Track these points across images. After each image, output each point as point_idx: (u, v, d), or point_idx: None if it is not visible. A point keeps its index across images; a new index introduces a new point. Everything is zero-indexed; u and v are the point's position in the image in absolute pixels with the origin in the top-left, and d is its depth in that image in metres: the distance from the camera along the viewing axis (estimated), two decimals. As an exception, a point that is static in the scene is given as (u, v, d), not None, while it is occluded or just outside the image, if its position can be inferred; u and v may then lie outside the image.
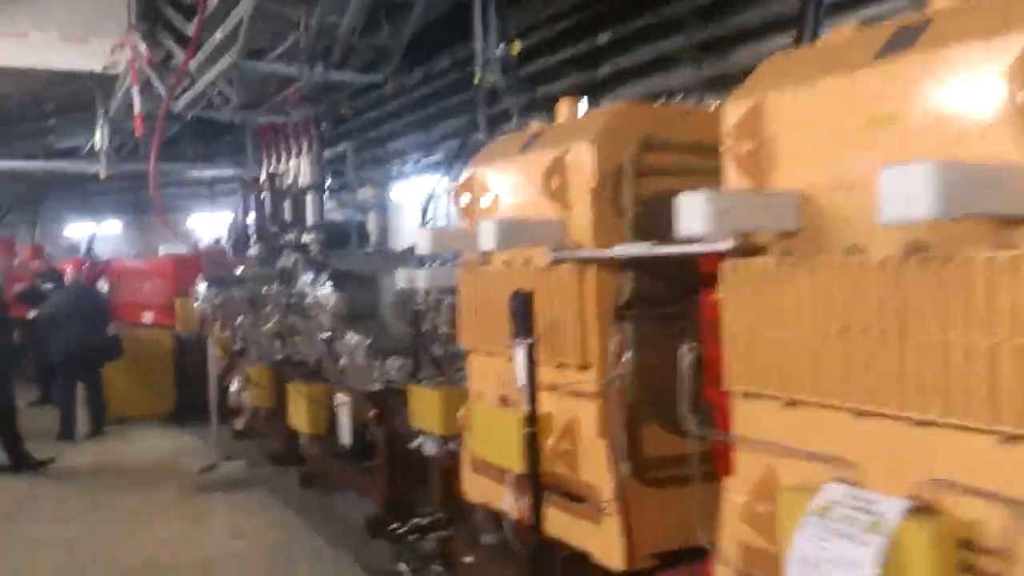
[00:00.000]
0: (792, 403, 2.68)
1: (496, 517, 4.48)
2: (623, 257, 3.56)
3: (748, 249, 2.82)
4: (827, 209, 2.60)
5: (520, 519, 4.07)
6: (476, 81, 6.70)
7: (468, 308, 4.61)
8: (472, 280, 4.53)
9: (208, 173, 17.65)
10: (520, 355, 3.33)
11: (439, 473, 5.91)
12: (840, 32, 2.85)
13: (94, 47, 11.08)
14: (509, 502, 4.13)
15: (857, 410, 2.46)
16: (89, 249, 15.84)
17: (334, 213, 9.80)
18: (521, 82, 6.80)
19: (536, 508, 3.53)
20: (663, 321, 3.76)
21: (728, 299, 2.86)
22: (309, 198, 9.41)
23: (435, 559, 5.57)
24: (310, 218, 9.42)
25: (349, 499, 7.46)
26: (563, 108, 4.21)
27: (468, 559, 4.82)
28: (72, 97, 14.93)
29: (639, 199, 3.64)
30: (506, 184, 4.27)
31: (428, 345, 6.02)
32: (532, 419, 3.32)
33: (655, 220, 3.64)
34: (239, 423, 9.48)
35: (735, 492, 2.91)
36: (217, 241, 11.94)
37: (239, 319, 9.12)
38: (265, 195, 9.70)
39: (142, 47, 10.45)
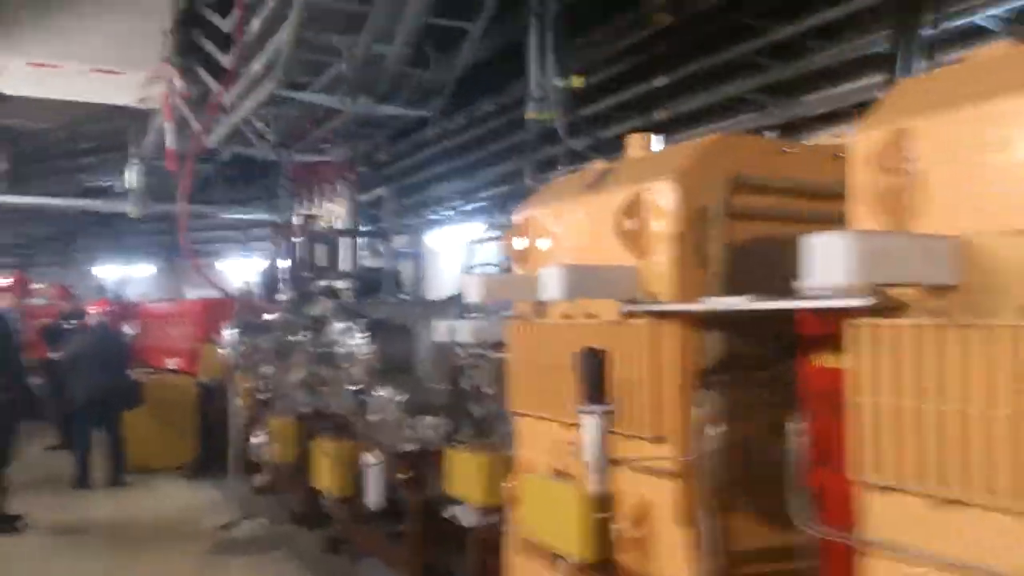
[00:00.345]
0: (949, 503, 2.13)
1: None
2: (711, 312, 3.03)
3: (885, 307, 2.28)
4: (995, 260, 2.07)
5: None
6: (534, 117, 6.16)
7: (519, 366, 4.09)
8: (525, 334, 4.01)
9: (241, 216, 17.34)
10: (590, 425, 2.79)
11: (477, 547, 5.34)
12: (997, 47, 2.35)
13: (128, 80, 10.79)
14: (563, 592, 3.56)
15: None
16: (118, 292, 15.54)
17: (368, 260, 9.35)
18: (584, 121, 6.27)
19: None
20: (754, 389, 3.23)
21: (861, 368, 2.32)
22: (343, 243, 8.96)
23: (470, 646, 4.99)
24: (344, 264, 8.97)
25: (375, 568, 6.89)
26: (635, 143, 3.72)
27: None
28: (107, 135, 14.75)
29: (728, 246, 3.12)
30: (569, 227, 3.77)
31: (468, 404, 5.50)
32: (605, 502, 2.77)
33: (746, 270, 3.13)
34: (260, 479, 8.96)
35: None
36: (247, 286, 11.56)
37: (265, 368, 8.68)
38: (298, 239, 9.27)
39: (177, 81, 10.16)
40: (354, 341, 6.90)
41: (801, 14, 6.50)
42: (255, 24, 8.40)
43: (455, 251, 13.21)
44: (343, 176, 9.72)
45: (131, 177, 14.14)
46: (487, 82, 9.50)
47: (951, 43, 5.53)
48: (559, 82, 5.96)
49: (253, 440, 8.78)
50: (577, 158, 6.88)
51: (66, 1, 10.59)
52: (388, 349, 6.66)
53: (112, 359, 10.51)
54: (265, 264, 10.22)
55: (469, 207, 11.90)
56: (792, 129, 6.91)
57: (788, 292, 2.97)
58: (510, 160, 9.79)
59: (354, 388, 6.86)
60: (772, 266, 3.14)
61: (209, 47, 9.83)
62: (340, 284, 7.98)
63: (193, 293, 13.30)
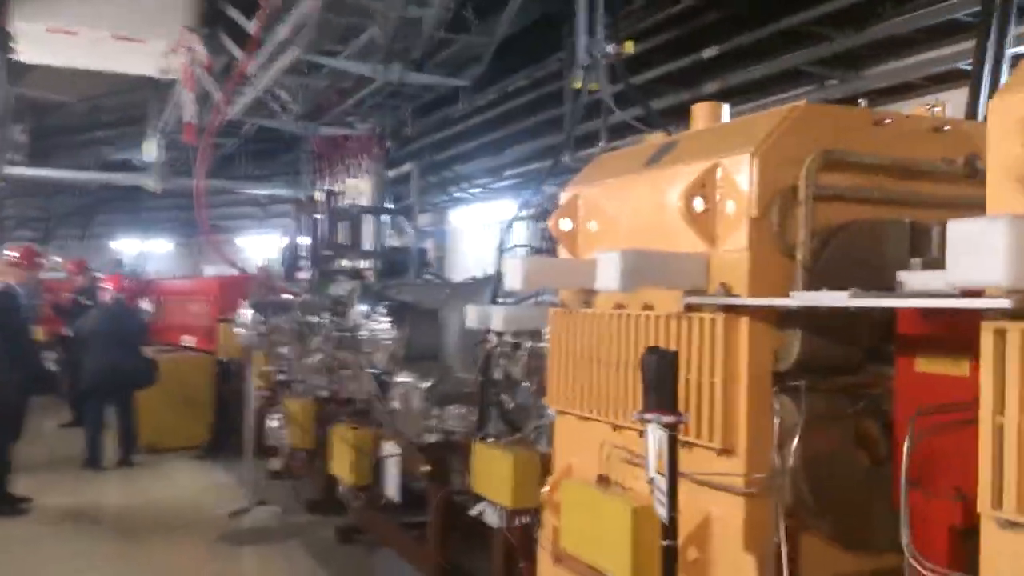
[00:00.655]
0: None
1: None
2: (794, 309, 2.63)
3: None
4: None
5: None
6: (577, 87, 5.69)
7: (562, 359, 3.69)
8: (570, 325, 3.62)
9: (262, 192, 17.00)
10: (658, 438, 2.40)
11: (503, 550, 4.97)
12: None
13: (151, 48, 10.37)
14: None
15: None
16: (135, 268, 15.27)
17: (393, 239, 8.97)
18: (632, 91, 5.79)
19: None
20: (836, 396, 2.84)
21: (1005, 380, 1.91)
22: (367, 221, 8.57)
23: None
24: (367, 243, 8.59)
25: (391, 561, 6.54)
26: (702, 112, 3.31)
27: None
28: (128, 107, 14.42)
29: (815, 231, 2.72)
30: (625, 207, 3.36)
31: (499, 396, 5.11)
32: (672, 528, 2.38)
33: (834, 260, 2.72)
34: (275, 463, 8.64)
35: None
36: (267, 264, 11.23)
37: (284, 349, 8.35)
38: (320, 216, 8.89)
39: (199, 48, 9.75)
40: (377, 324, 6.55)
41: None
42: (282, -15, 7.92)
43: (480, 231, 12.83)
44: (368, 151, 9.30)
45: (151, 150, 13.81)
46: (518, 55, 9.03)
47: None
48: (609, 48, 5.49)
49: (269, 423, 8.46)
50: (619, 133, 6.43)
51: (87, -36, 10.22)
52: (413, 334, 6.30)
53: (127, 337, 10.20)
54: (286, 242, 9.86)
55: (497, 185, 11.47)
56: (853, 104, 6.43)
57: (887, 285, 2.58)
58: (543, 136, 9.34)
59: (376, 373, 6.52)
60: (866, 255, 2.75)
61: (233, 12, 9.41)
62: (363, 264, 7.58)
63: (211, 270, 12.98)
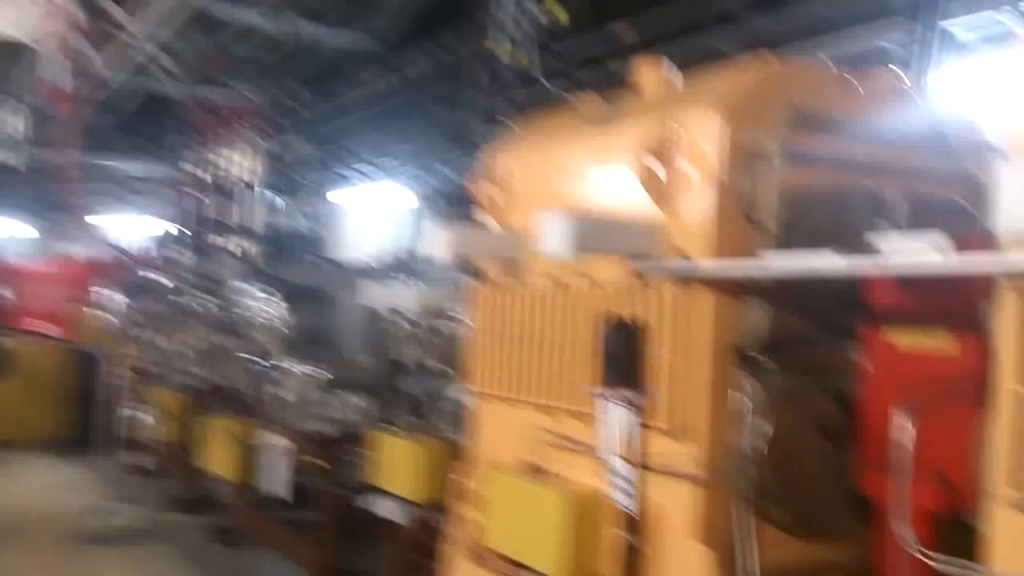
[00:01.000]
0: None
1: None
2: (755, 279, 2.41)
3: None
4: None
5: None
6: (503, 58, 5.26)
7: (485, 338, 3.38)
8: (496, 301, 3.31)
9: (134, 168, 15.92)
10: (616, 417, 2.13)
11: (404, 547, 4.64)
12: None
13: (24, 12, 9.46)
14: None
15: None
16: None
17: (276, 217, 8.46)
18: (566, 61, 5.36)
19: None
20: (795, 373, 2.63)
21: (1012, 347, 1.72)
22: (249, 198, 8.02)
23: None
24: (249, 221, 8.05)
25: (271, 562, 6.11)
26: (647, 71, 3.06)
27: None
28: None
29: (784, 197, 2.50)
30: (563, 172, 3.08)
31: (401, 381, 4.78)
32: (633, 522, 2.10)
33: (807, 229, 2.52)
34: (138, 459, 8.03)
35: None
36: (135, 243, 10.50)
37: (152, 335, 7.76)
38: (198, 193, 8.30)
39: (72, 8, 8.94)
40: (260, 307, 6.12)
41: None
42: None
43: (370, 212, 12.39)
44: (250, 122, 8.72)
45: (16, 124, 12.75)
46: (420, 25, 8.50)
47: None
48: (535, 11, 5.11)
49: (137, 415, 7.86)
50: (526, 108, 6.09)
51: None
52: (303, 317, 5.91)
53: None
54: (157, 219, 9.22)
55: (390, 164, 10.99)
56: (784, 44, 6.26)
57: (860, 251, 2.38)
58: (440, 112, 8.88)
59: (257, 360, 6.07)
60: (829, 223, 2.56)
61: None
62: (245, 243, 7.09)
63: (75, 251, 12.11)
